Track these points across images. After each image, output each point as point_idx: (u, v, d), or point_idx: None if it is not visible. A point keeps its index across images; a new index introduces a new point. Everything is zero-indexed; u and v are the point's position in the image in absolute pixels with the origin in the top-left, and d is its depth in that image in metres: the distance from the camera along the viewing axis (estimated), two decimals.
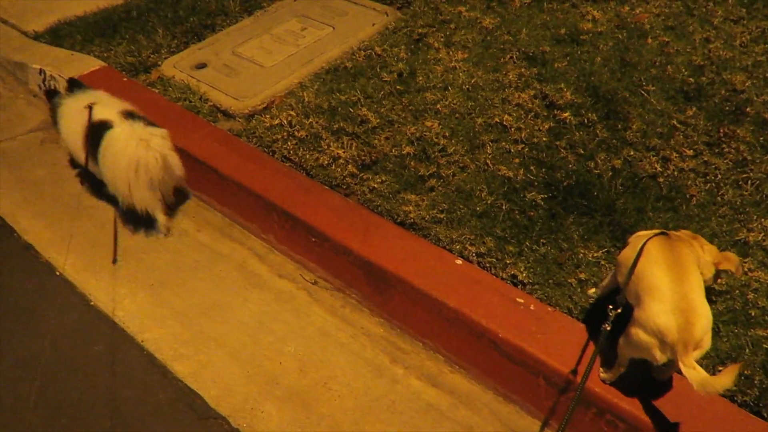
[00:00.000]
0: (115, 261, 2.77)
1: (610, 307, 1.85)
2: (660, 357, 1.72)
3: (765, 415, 1.88)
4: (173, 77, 3.51)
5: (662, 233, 1.91)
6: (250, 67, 3.55)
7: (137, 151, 2.62)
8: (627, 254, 1.94)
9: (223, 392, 2.29)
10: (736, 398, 1.92)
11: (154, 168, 2.66)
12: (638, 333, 1.76)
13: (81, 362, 2.41)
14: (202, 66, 3.60)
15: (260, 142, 3.04)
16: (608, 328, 1.83)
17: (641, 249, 1.85)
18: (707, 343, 1.71)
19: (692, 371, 1.63)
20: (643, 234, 1.99)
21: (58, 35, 3.94)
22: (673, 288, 1.73)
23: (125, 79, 3.51)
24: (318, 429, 2.17)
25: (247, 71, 3.52)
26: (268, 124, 3.10)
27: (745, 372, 1.94)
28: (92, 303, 2.60)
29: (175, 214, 3.00)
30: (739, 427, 1.84)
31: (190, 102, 3.31)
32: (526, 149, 2.79)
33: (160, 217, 2.85)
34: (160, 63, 3.66)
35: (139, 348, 2.44)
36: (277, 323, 2.52)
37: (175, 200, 3.00)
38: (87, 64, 3.65)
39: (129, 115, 2.78)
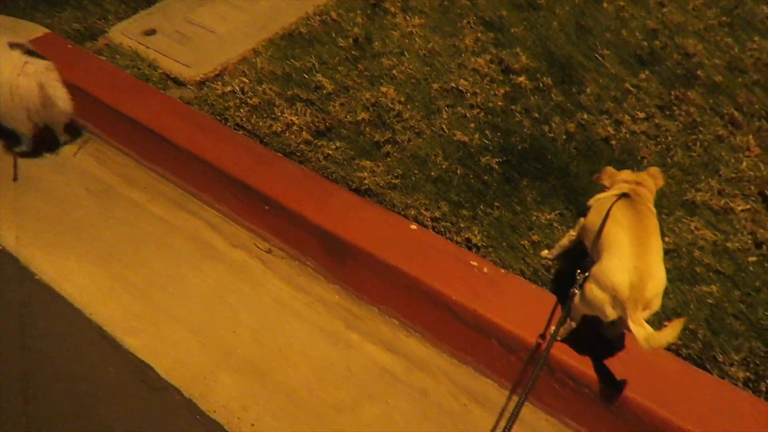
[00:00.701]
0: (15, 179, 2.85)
1: (578, 271, 1.87)
2: (611, 314, 1.75)
3: (708, 367, 1.93)
4: (121, 44, 3.38)
5: (625, 195, 1.93)
6: (202, 33, 3.43)
7: (11, 78, 2.65)
8: (592, 219, 1.96)
9: (175, 364, 2.25)
10: (681, 352, 1.97)
11: (28, 96, 2.67)
12: (593, 289, 1.79)
13: (28, 340, 2.33)
14: (151, 33, 3.47)
15: (212, 110, 2.95)
16: (576, 292, 1.85)
17: (608, 213, 1.87)
18: (657, 304, 1.74)
19: (639, 328, 1.67)
20: (603, 197, 2.00)
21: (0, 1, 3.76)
22: (632, 249, 1.76)
23: (70, 46, 3.37)
24: (273, 397, 2.16)
25: (200, 38, 3.40)
26: (220, 92, 3.02)
27: (690, 327, 1.99)
28: (37, 277, 2.52)
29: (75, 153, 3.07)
30: (684, 379, 1.88)
31: (139, 69, 3.20)
32: (482, 114, 2.77)
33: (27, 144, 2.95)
34: (107, 30, 3.52)
35: (88, 322, 2.38)
36: (232, 294, 2.48)
37: (69, 138, 3.09)
38: (31, 31, 3.49)
39: (15, 46, 2.77)
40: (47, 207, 2.80)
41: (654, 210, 1.94)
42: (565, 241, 2.17)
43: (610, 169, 2.12)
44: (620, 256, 1.75)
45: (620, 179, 2.05)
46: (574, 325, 1.95)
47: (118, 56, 3.27)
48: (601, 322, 1.87)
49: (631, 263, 1.72)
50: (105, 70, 3.21)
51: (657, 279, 1.72)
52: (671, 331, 1.63)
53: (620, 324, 1.83)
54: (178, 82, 3.15)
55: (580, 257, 1.95)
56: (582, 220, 2.07)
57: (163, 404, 2.13)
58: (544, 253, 2.25)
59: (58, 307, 2.42)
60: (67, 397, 2.17)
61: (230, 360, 2.28)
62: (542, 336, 1.99)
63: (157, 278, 2.55)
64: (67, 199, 2.86)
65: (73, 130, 3.15)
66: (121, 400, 2.15)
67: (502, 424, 2.06)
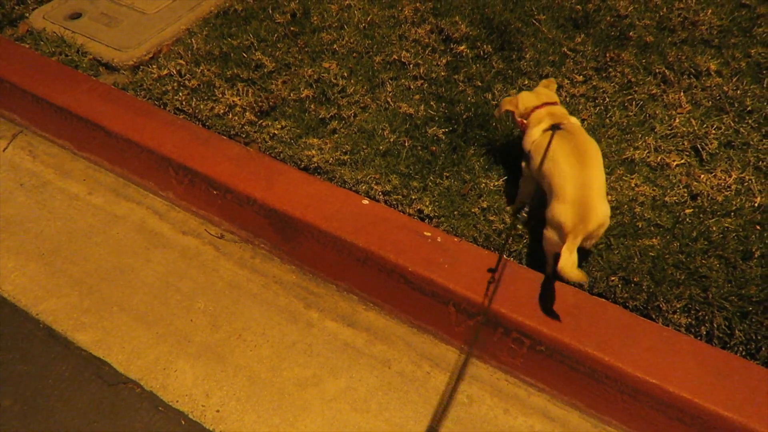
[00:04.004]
0: None
1: (526, 209, 2.18)
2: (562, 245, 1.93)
3: (653, 316, 2.03)
4: (44, 29, 3.20)
5: (556, 127, 2.11)
6: (131, 14, 3.29)
7: None
8: (539, 142, 2.13)
9: (131, 356, 2.20)
10: (627, 304, 2.06)
11: None
12: (547, 231, 2.02)
13: None
14: (76, 16, 3.30)
15: (149, 94, 2.85)
16: (524, 216, 2.18)
17: (546, 151, 2.04)
18: (600, 233, 1.97)
19: (567, 254, 1.86)
20: (538, 138, 2.15)
21: None
22: (574, 190, 1.93)
23: None
24: (235, 380, 2.14)
25: (129, 19, 3.26)
26: (156, 75, 2.91)
27: (635, 279, 2.08)
28: None
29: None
30: (631, 329, 1.97)
31: (67, 56, 3.04)
32: (426, 85, 2.78)
33: None
34: (27, 15, 3.33)
35: (34, 321, 2.29)
36: (185, 281, 2.43)
37: None
38: None
39: None
40: None
41: (587, 135, 2.13)
42: (523, 191, 2.32)
43: (506, 98, 2.31)
44: (563, 199, 1.94)
45: (527, 106, 2.24)
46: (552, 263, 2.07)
47: (42, 43, 3.10)
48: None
49: (573, 203, 1.91)
50: (29, 58, 3.04)
51: (599, 213, 1.91)
52: (581, 275, 1.86)
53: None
54: (111, 68, 3.02)
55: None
56: (524, 164, 2.24)
57: (123, 399, 2.08)
58: (509, 208, 2.35)
59: (1, 308, 2.31)
60: (18, 400, 2.10)
61: (188, 348, 2.24)
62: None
63: (103, 271, 2.47)
64: (0, 196, 2.72)
65: None
66: (77, 398, 2.09)
67: (465, 387, 2.11)
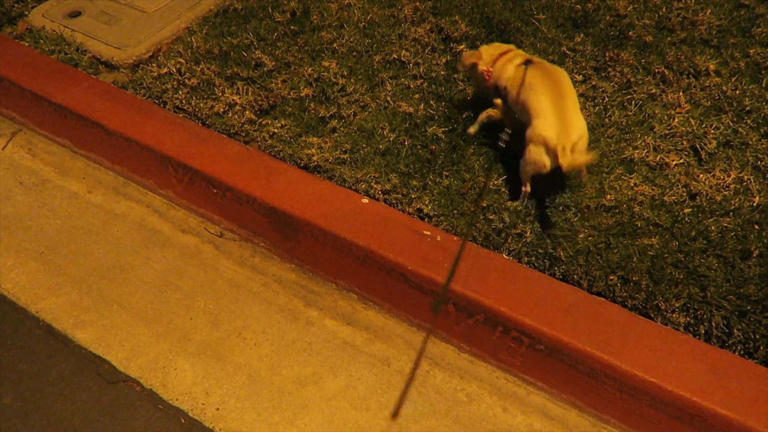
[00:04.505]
0: None
1: (508, 131, 2.29)
2: (547, 162, 2.16)
3: (652, 315, 2.04)
4: (44, 28, 3.20)
5: (528, 62, 2.34)
6: (131, 12, 3.29)
7: None
8: (514, 76, 2.34)
9: (131, 354, 2.21)
10: (626, 303, 2.07)
11: None
12: (531, 149, 2.18)
13: None
14: (76, 14, 3.30)
15: (149, 93, 2.85)
16: (506, 139, 2.28)
17: (523, 81, 2.26)
18: (583, 144, 2.16)
19: (563, 155, 2.08)
20: (513, 73, 2.36)
21: None
22: (553, 110, 2.15)
23: None
24: (235, 378, 2.15)
25: (128, 17, 3.26)
26: (155, 74, 2.91)
27: (634, 279, 2.09)
28: None
29: None
30: (630, 328, 1.98)
31: (66, 54, 3.04)
32: (425, 84, 2.78)
33: None
34: (27, 13, 3.33)
35: (34, 319, 2.29)
36: (184, 279, 2.43)
37: None
38: None
39: None
40: None
41: (555, 66, 2.39)
42: (483, 118, 2.53)
43: (467, 53, 2.52)
44: (545, 117, 2.15)
45: (492, 54, 2.45)
46: (528, 190, 2.31)
47: (41, 41, 3.10)
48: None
49: (554, 119, 2.13)
50: (29, 57, 3.04)
51: (577, 125, 2.15)
52: (588, 156, 2.11)
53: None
54: (110, 66, 3.02)
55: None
56: (499, 101, 2.44)
57: (123, 397, 2.09)
58: (472, 130, 2.55)
59: (0, 306, 2.31)
60: (18, 398, 2.10)
61: (188, 346, 2.24)
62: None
63: (103, 269, 2.47)
64: (0, 194, 2.72)
65: None
66: (77, 396, 2.09)
67: (464, 386, 2.12)
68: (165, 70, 2.91)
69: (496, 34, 2.97)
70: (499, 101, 2.46)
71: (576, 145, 2.12)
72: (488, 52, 2.47)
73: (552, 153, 2.12)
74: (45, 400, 2.10)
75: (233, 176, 2.48)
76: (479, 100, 2.64)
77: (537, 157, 2.17)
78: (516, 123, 2.34)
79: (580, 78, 2.75)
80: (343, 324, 2.29)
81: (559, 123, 2.13)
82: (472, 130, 2.57)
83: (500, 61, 2.42)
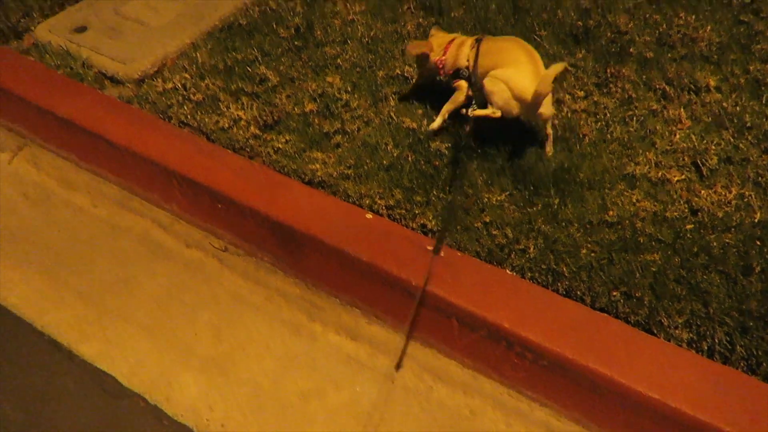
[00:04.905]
0: None
1: (474, 107, 2.46)
2: (515, 107, 2.39)
3: (655, 331, 2.05)
4: (50, 42, 3.23)
5: (479, 39, 2.50)
6: (137, 27, 3.32)
7: None
8: (472, 55, 2.48)
9: (135, 369, 2.22)
10: (629, 319, 2.08)
11: None
12: (502, 89, 2.35)
13: None
14: (82, 29, 3.33)
15: (154, 108, 2.88)
16: (471, 116, 2.45)
17: (478, 52, 2.45)
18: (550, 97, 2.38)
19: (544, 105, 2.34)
20: (468, 50, 2.51)
21: None
22: (529, 63, 2.36)
23: None
24: (239, 392, 2.15)
25: (134, 32, 3.29)
26: (160, 89, 2.93)
27: (636, 294, 2.10)
28: None
29: None
30: (633, 344, 1.99)
31: (72, 69, 3.07)
32: (428, 99, 2.81)
33: None
34: (33, 28, 3.36)
35: (39, 334, 2.31)
36: (188, 293, 2.45)
37: None
38: None
39: None
40: None
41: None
42: (449, 108, 2.59)
43: (414, 43, 2.68)
44: (521, 67, 2.34)
45: (440, 43, 2.56)
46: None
47: (47, 56, 3.13)
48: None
49: (530, 71, 2.33)
50: (35, 71, 3.07)
51: (546, 74, 2.28)
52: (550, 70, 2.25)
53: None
54: (116, 81, 3.05)
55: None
56: (463, 83, 2.53)
57: (127, 412, 2.09)
58: (433, 126, 2.60)
59: (5, 320, 2.32)
60: (23, 413, 2.10)
61: (191, 360, 2.25)
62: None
63: (107, 282, 2.49)
64: (5, 207, 2.75)
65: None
66: (82, 412, 2.10)
67: (468, 401, 2.13)
68: (170, 84, 2.94)
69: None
70: (462, 82, 2.53)
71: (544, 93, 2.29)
72: (437, 41, 2.57)
73: (524, 105, 2.33)
74: (49, 414, 2.10)
75: (238, 191, 2.50)
76: (432, 92, 2.74)
77: (511, 103, 2.35)
78: (485, 97, 2.45)
79: (581, 94, 2.77)
80: (346, 338, 2.30)
81: (536, 76, 2.30)
82: (435, 125, 2.61)
83: (452, 48, 2.53)
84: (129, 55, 3.14)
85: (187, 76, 2.97)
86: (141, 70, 3.06)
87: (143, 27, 3.32)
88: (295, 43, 3.12)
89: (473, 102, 2.46)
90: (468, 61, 2.48)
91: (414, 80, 2.84)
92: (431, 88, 2.79)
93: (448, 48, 2.55)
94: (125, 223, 2.70)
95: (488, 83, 2.39)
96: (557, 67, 2.25)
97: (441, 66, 2.57)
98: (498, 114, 2.43)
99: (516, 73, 2.34)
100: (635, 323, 2.08)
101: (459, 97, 2.58)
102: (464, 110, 2.48)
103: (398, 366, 2.22)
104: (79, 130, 2.81)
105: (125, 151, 2.71)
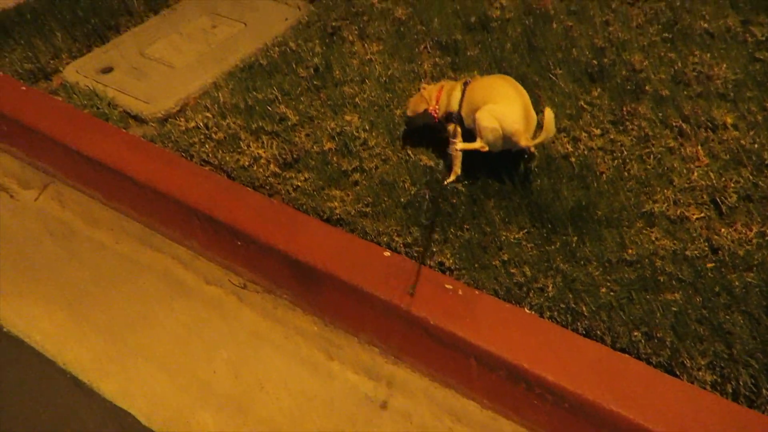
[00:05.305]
0: None
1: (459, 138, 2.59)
2: (499, 145, 2.49)
3: (678, 372, 2.02)
4: (77, 83, 3.34)
5: (467, 82, 2.61)
6: (161, 68, 3.42)
7: None
8: (459, 96, 2.59)
9: (154, 407, 2.22)
10: (651, 360, 2.05)
11: None
12: (493, 125, 2.43)
13: None
14: (108, 70, 3.45)
15: (176, 146, 2.94)
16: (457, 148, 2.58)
17: (464, 94, 2.57)
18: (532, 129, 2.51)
19: (528, 142, 2.45)
20: (428, 90, 2.70)
21: None
22: (519, 100, 2.48)
23: (24, 88, 3.31)
24: (257, 431, 2.15)
25: (158, 73, 3.39)
26: (183, 128, 3.01)
27: (658, 335, 2.08)
28: (5, 330, 2.45)
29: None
30: (655, 386, 1.96)
31: (98, 108, 3.16)
32: (445, 137, 2.84)
33: None
34: (61, 69, 3.48)
35: (60, 371, 2.33)
36: (208, 330, 2.46)
37: None
38: None
39: None
40: (9, 254, 2.74)
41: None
42: (456, 155, 2.62)
43: (412, 101, 2.78)
44: (513, 105, 2.45)
45: (431, 95, 2.68)
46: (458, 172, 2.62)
47: (75, 96, 3.23)
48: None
49: (520, 109, 2.45)
50: (62, 111, 3.17)
51: (534, 117, 2.51)
52: (542, 133, 2.41)
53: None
54: (140, 120, 3.13)
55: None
56: (452, 126, 2.61)
57: None
58: (451, 178, 2.63)
59: (29, 357, 2.36)
60: None
61: (210, 398, 2.26)
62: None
63: (128, 319, 2.51)
64: (30, 244, 2.81)
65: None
66: None
67: None
68: (192, 123, 3.01)
69: None
70: (452, 125, 2.62)
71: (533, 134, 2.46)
72: (430, 92, 2.69)
73: (510, 141, 2.44)
74: None
75: (257, 228, 2.53)
76: (429, 137, 2.83)
77: (496, 139, 2.45)
78: (475, 131, 2.55)
79: (597, 132, 2.79)
80: (365, 378, 2.30)
81: (525, 117, 2.44)
82: (452, 177, 2.64)
83: (442, 95, 2.65)
84: (153, 94, 3.23)
85: (209, 115, 3.04)
86: (164, 109, 3.14)
87: (167, 67, 3.42)
88: (314, 82, 3.19)
89: (456, 137, 2.58)
90: (462, 102, 2.58)
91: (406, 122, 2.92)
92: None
93: (439, 96, 2.66)
94: (146, 260, 2.74)
95: (482, 118, 2.46)
96: (551, 112, 2.41)
97: (435, 113, 2.67)
98: (486, 149, 2.51)
99: (509, 112, 2.43)
100: (657, 364, 2.05)
101: (459, 142, 2.64)
102: (451, 147, 2.57)
103: (416, 406, 2.20)
104: (104, 168, 2.88)
105: (148, 189, 2.77)
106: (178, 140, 2.94)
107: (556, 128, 2.80)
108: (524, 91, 2.53)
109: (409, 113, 2.77)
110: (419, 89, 2.79)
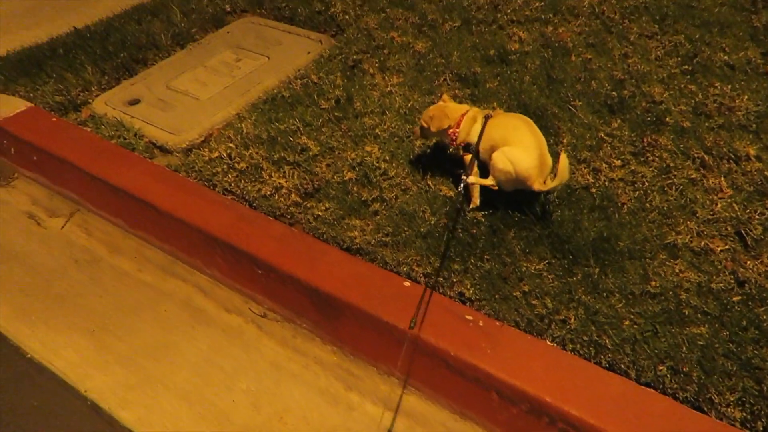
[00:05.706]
0: None
1: (475, 171, 2.63)
2: (510, 186, 2.54)
3: (705, 409, 1.97)
4: (105, 114, 3.42)
5: (488, 115, 2.62)
6: (186, 100, 3.51)
7: None
8: (479, 129, 2.60)
9: None
10: (678, 395, 2.01)
11: None
12: (506, 168, 2.46)
13: (20, 419, 2.28)
14: (135, 102, 3.54)
15: (200, 176, 2.99)
16: (468, 182, 2.56)
17: (484, 128, 2.57)
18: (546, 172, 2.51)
19: (540, 186, 2.46)
20: (476, 127, 2.61)
21: None
22: (534, 143, 2.47)
23: (54, 119, 3.40)
24: None
25: (183, 105, 3.48)
26: (207, 158, 3.06)
27: (684, 369, 2.03)
28: (29, 356, 2.48)
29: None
30: (683, 423, 1.91)
31: (125, 139, 3.24)
32: (458, 173, 2.85)
33: None
34: (90, 101, 3.58)
35: (82, 399, 2.34)
36: (227, 359, 2.47)
37: None
38: (12, 105, 3.52)
39: None
40: (35, 281, 2.78)
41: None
42: (475, 185, 2.64)
43: (429, 116, 2.69)
44: (528, 150, 2.44)
45: (455, 117, 2.64)
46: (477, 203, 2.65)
47: (102, 126, 3.32)
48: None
49: (536, 154, 2.44)
50: (90, 141, 3.25)
51: (549, 163, 2.50)
52: (556, 179, 2.40)
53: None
54: (165, 150, 3.20)
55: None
56: (468, 156, 2.63)
57: None
58: (473, 204, 2.66)
59: (51, 385, 2.37)
60: None
61: (228, 428, 2.25)
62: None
63: (150, 347, 2.52)
64: (55, 271, 2.85)
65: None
66: None
67: None
68: (216, 154, 3.07)
69: (533, 119, 3.03)
70: (468, 156, 2.63)
71: (547, 179, 2.47)
72: (453, 112, 2.67)
73: (523, 183, 2.47)
74: None
75: (278, 257, 2.55)
76: (449, 168, 2.86)
77: (509, 177, 2.48)
78: (490, 168, 2.58)
79: (618, 163, 2.79)
80: (384, 409, 2.27)
81: (540, 159, 2.44)
82: (474, 203, 2.67)
83: (465, 122, 2.63)
84: (178, 125, 3.30)
85: (232, 145, 3.09)
86: (189, 140, 3.21)
87: (192, 99, 3.50)
88: (335, 114, 3.24)
89: (471, 168, 2.59)
90: (482, 137, 2.58)
91: (415, 135, 2.92)
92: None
93: (461, 121, 2.64)
94: (168, 288, 2.76)
95: (497, 160, 2.49)
96: (566, 158, 2.39)
97: (454, 138, 2.67)
98: (496, 188, 2.57)
99: (525, 157, 2.44)
100: (683, 400, 2.00)
101: (475, 174, 2.65)
102: (463, 177, 2.55)
103: None
104: (129, 197, 2.93)
105: (171, 218, 2.81)
106: (201, 170, 2.99)
107: (576, 159, 2.82)
108: (541, 136, 2.52)
109: (432, 128, 2.71)
110: (441, 99, 2.80)
